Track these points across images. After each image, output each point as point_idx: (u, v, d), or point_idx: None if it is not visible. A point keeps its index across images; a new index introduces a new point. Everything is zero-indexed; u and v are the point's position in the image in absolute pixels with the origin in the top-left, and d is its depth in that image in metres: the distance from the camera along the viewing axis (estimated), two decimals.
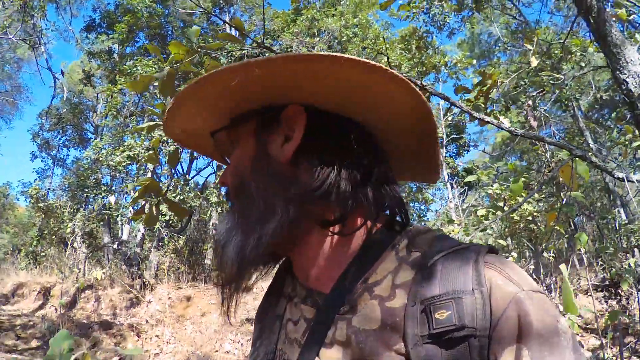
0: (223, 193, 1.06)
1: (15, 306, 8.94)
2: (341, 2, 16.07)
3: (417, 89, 0.64)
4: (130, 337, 6.91)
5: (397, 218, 0.71)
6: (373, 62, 0.61)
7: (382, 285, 0.61)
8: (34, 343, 6.54)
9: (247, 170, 0.70)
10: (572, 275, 7.45)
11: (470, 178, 4.46)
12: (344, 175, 0.66)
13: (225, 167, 0.81)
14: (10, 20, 7.17)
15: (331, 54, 0.60)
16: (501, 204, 5.70)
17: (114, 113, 13.49)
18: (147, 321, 8.58)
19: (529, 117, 3.23)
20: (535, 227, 6.79)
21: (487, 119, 3.12)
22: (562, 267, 1.57)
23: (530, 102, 3.32)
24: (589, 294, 6.79)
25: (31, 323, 7.33)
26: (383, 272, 0.62)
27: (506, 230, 7.60)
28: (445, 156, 15.39)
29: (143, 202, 2.06)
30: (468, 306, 0.52)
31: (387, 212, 0.71)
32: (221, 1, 17.14)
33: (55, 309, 8.11)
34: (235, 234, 0.68)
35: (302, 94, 0.67)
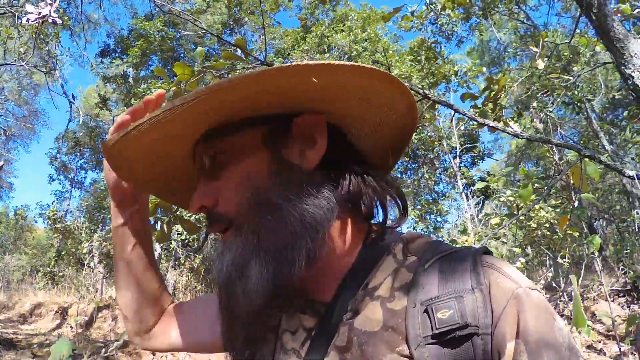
0: (210, 218, 0.64)
1: (32, 325, 9.05)
2: (349, 18, 16.22)
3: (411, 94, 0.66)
4: (146, 356, 6.92)
5: (393, 215, 0.71)
6: (383, 71, 0.61)
7: (382, 288, 0.61)
8: None
9: (266, 182, 0.63)
10: (592, 280, 7.27)
11: (480, 185, 4.40)
12: (361, 181, 0.66)
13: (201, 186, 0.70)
14: (25, 47, 7.41)
15: (352, 64, 0.58)
16: (515, 211, 5.61)
17: None
18: None
19: (534, 119, 3.19)
20: (551, 234, 6.68)
21: (491, 124, 3.10)
22: (573, 277, 1.53)
23: (534, 104, 3.28)
24: (611, 299, 6.61)
25: (48, 342, 7.40)
26: (382, 275, 0.62)
27: (525, 239, 7.48)
28: (460, 166, 15.27)
29: (154, 220, 2.09)
30: (469, 304, 0.53)
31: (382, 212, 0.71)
32: (231, 22, 17.44)
33: (71, 328, 8.19)
34: (260, 258, 0.60)
35: (312, 103, 0.65)
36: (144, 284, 0.88)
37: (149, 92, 11.89)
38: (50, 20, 2.88)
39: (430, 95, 2.85)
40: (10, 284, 14.03)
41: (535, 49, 4.21)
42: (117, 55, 16.75)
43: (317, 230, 0.60)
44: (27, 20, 2.95)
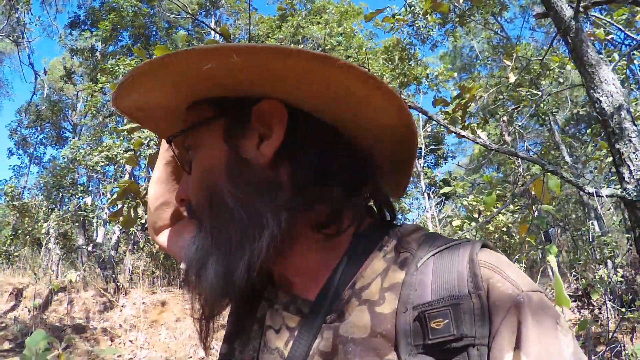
0: (185, 211, 0.74)
1: None
2: (327, 11, 16.20)
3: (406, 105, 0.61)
4: (103, 342, 6.79)
5: (384, 215, 0.69)
6: (370, 73, 0.55)
7: (371, 289, 0.57)
8: (6, 345, 6.39)
9: (219, 179, 0.61)
10: (545, 285, 7.60)
11: (446, 189, 4.53)
12: (329, 174, 0.61)
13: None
14: None
15: (327, 55, 0.53)
16: (476, 215, 5.81)
17: (94, 112, 13.33)
18: (120, 326, 8.45)
19: (503, 132, 3.32)
20: (509, 238, 6.93)
21: (463, 133, 3.21)
22: (551, 259, 1.61)
23: (505, 118, 3.41)
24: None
25: (3, 325, 7.15)
26: (371, 275, 0.58)
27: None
28: (423, 166, 15.56)
29: (121, 204, 2.06)
30: (466, 313, 0.49)
31: (374, 210, 0.69)
32: (207, 4, 17.11)
33: (29, 311, 7.94)
34: (213, 257, 0.59)
35: (280, 90, 0.59)
36: (171, 189, 0.94)
37: (117, 67, 11.53)
38: None
39: (406, 100, 2.93)
40: None
41: (508, 62, 4.35)
42: (86, 27, 16.14)
43: (268, 232, 0.57)
44: None
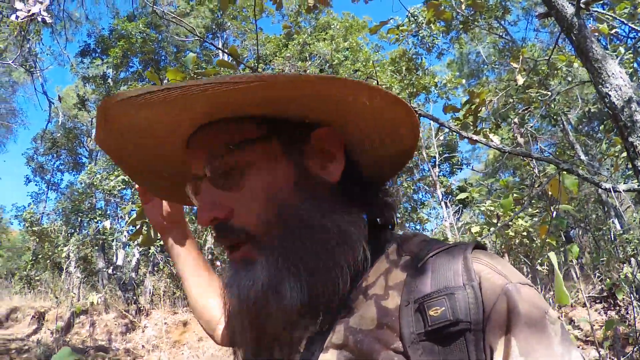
0: (222, 231, 0.65)
1: (9, 330, 8.82)
2: (331, 26, 16.36)
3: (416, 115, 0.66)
4: None
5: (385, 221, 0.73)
6: (398, 96, 0.62)
7: (376, 286, 0.61)
8: None
9: (291, 196, 0.62)
10: (569, 288, 7.47)
11: (461, 196, 4.52)
12: (373, 195, 0.70)
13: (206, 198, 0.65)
14: (5, 43, 7.27)
15: (372, 85, 0.59)
16: (495, 220, 5.76)
17: None
18: (143, 346, 8.48)
19: (515, 134, 3.32)
20: (529, 242, 6.85)
21: (475, 137, 3.21)
22: (552, 255, 1.61)
23: (516, 119, 3.42)
24: (588, 305, 6.81)
25: (26, 347, 7.23)
26: (375, 274, 0.63)
27: (502, 247, 7.64)
28: (438, 175, 15.50)
29: (139, 224, 2.11)
30: (461, 301, 0.53)
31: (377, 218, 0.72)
32: (214, 27, 17.41)
33: (51, 333, 8.01)
34: (291, 280, 0.59)
35: (335, 118, 0.65)
36: (203, 287, 0.99)
37: None
38: (39, 19, 2.86)
39: (416, 109, 2.95)
40: None
41: (515, 65, 4.35)
42: (97, 55, 16.50)
43: (355, 248, 0.62)
44: (16, 17, 2.90)
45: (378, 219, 0.71)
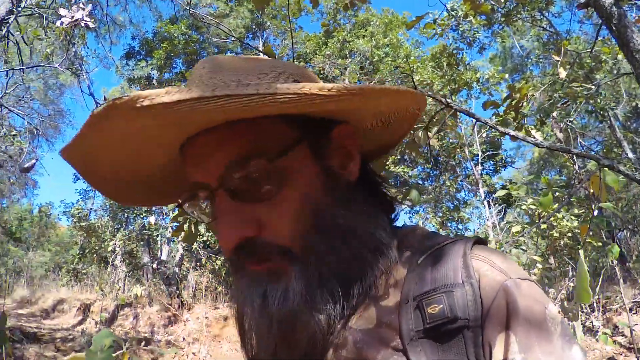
0: (249, 247, 0.57)
1: (55, 321, 9.26)
2: (371, 23, 16.27)
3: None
4: (168, 355, 7.06)
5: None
6: (419, 92, 0.61)
7: (377, 284, 0.60)
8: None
9: (327, 202, 0.59)
10: (614, 292, 7.15)
11: (500, 193, 4.39)
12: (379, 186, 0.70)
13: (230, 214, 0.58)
14: (52, 47, 7.66)
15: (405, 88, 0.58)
16: (536, 219, 5.57)
17: None
18: (184, 339, 8.73)
19: (554, 129, 3.21)
20: (573, 244, 6.60)
21: (512, 132, 3.12)
22: (581, 252, 1.56)
23: (555, 114, 3.30)
24: (633, 311, 6.50)
25: (71, 337, 7.57)
26: (377, 274, 0.61)
27: (547, 248, 7.39)
28: (481, 174, 15.15)
29: (182, 220, 2.18)
30: (459, 299, 0.53)
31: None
32: (254, 27, 17.66)
33: (96, 323, 8.37)
34: (326, 288, 0.57)
35: (356, 115, 0.64)
36: None
37: None
38: (83, 24, 2.99)
39: (452, 104, 2.89)
40: (33, 280, 14.32)
41: (557, 58, 4.20)
42: (141, 57, 17.08)
43: (386, 253, 0.61)
44: (61, 23, 3.03)
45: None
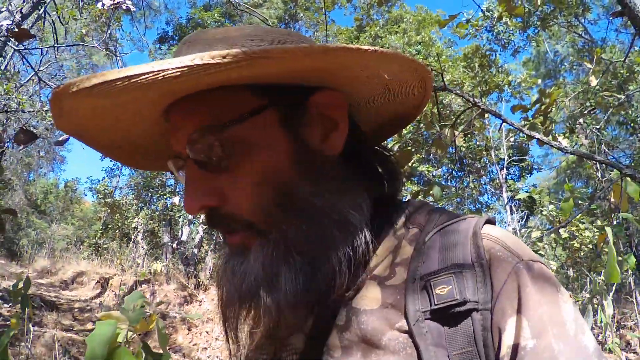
0: (215, 218, 0.58)
1: (73, 292, 9.49)
2: (404, 20, 16.16)
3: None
4: (181, 330, 7.24)
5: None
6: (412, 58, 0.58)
7: (383, 264, 0.59)
8: (90, 326, 6.98)
9: (291, 176, 0.56)
10: (631, 309, 7.02)
11: (522, 195, 4.38)
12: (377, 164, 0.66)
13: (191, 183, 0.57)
14: (87, 28, 7.87)
15: (382, 49, 0.54)
16: (558, 226, 5.52)
17: None
18: (198, 318, 8.92)
19: (580, 136, 3.20)
20: (594, 256, 6.51)
21: (538, 136, 3.12)
22: (608, 229, 1.57)
23: (581, 120, 3.28)
24: None
25: (88, 307, 7.79)
26: (384, 253, 0.60)
27: (567, 259, 7.30)
28: (506, 178, 14.96)
29: None
30: (469, 280, 0.51)
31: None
32: (286, 17, 17.73)
33: (115, 295, 8.61)
34: (289, 266, 0.54)
35: (338, 81, 0.59)
36: None
37: None
38: (124, 7, 3.08)
39: (479, 104, 2.90)
40: (54, 252, 14.65)
41: (589, 65, 4.16)
42: (175, 42, 17.32)
43: (355, 235, 0.57)
44: (102, 5, 3.09)
45: (385, 190, 0.66)
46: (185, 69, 0.45)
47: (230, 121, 0.54)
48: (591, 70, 4.17)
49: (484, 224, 0.57)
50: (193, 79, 0.47)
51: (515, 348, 0.48)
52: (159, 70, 0.45)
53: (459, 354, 0.48)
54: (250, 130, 0.55)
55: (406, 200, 0.69)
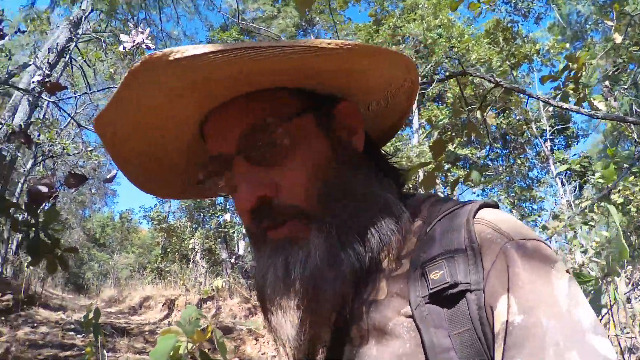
0: (266, 210, 0.61)
1: (142, 316, 9.77)
2: (419, 6, 16.04)
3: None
4: (249, 341, 7.42)
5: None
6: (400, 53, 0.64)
7: (390, 256, 0.62)
8: None
9: (335, 168, 0.63)
10: None
11: (562, 168, 4.34)
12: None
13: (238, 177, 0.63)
14: (114, 67, 8.32)
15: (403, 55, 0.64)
16: (607, 194, 5.36)
17: None
18: (264, 327, 9.10)
19: (608, 98, 3.21)
20: None
21: (565, 105, 3.14)
22: (612, 208, 1.65)
23: (607, 82, 3.28)
24: None
25: (158, 329, 8.07)
26: (391, 249, 0.63)
27: (628, 225, 7.04)
28: (552, 150, 14.58)
29: None
30: (460, 264, 0.53)
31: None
32: (303, 23, 17.94)
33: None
34: (347, 249, 0.59)
35: (353, 90, 0.69)
36: None
37: None
38: (144, 47, 3.31)
39: (501, 82, 2.97)
40: (119, 281, 15.09)
41: (610, 23, 4.10)
42: None
43: (394, 212, 0.63)
44: (124, 48, 3.31)
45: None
46: (302, 48, 0.54)
47: (286, 117, 0.62)
48: (613, 27, 4.11)
49: (479, 209, 0.60)
50: (297, 59, 0.55)
51: (506, 324, 0.49)
52: (287, 46, 0.53)
53: (459, 333, 0.51)
54: (296, 128, 0.63)
55: (411, 194, 0.74)
